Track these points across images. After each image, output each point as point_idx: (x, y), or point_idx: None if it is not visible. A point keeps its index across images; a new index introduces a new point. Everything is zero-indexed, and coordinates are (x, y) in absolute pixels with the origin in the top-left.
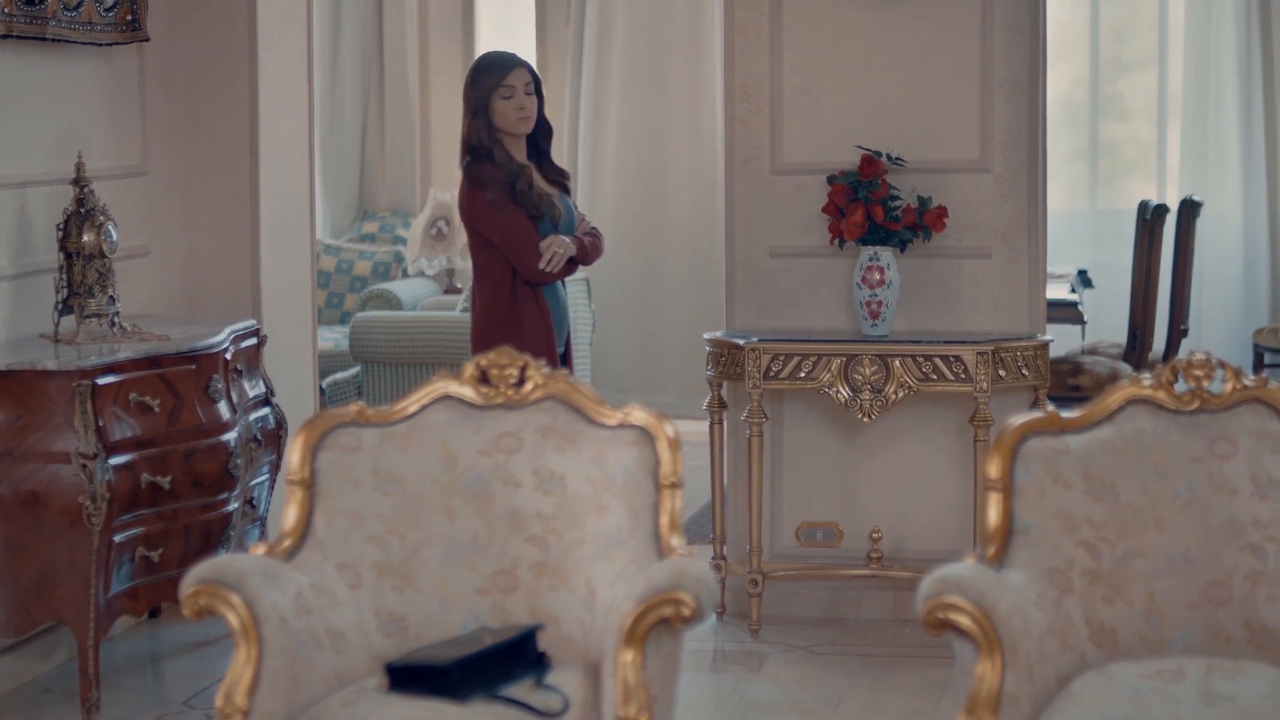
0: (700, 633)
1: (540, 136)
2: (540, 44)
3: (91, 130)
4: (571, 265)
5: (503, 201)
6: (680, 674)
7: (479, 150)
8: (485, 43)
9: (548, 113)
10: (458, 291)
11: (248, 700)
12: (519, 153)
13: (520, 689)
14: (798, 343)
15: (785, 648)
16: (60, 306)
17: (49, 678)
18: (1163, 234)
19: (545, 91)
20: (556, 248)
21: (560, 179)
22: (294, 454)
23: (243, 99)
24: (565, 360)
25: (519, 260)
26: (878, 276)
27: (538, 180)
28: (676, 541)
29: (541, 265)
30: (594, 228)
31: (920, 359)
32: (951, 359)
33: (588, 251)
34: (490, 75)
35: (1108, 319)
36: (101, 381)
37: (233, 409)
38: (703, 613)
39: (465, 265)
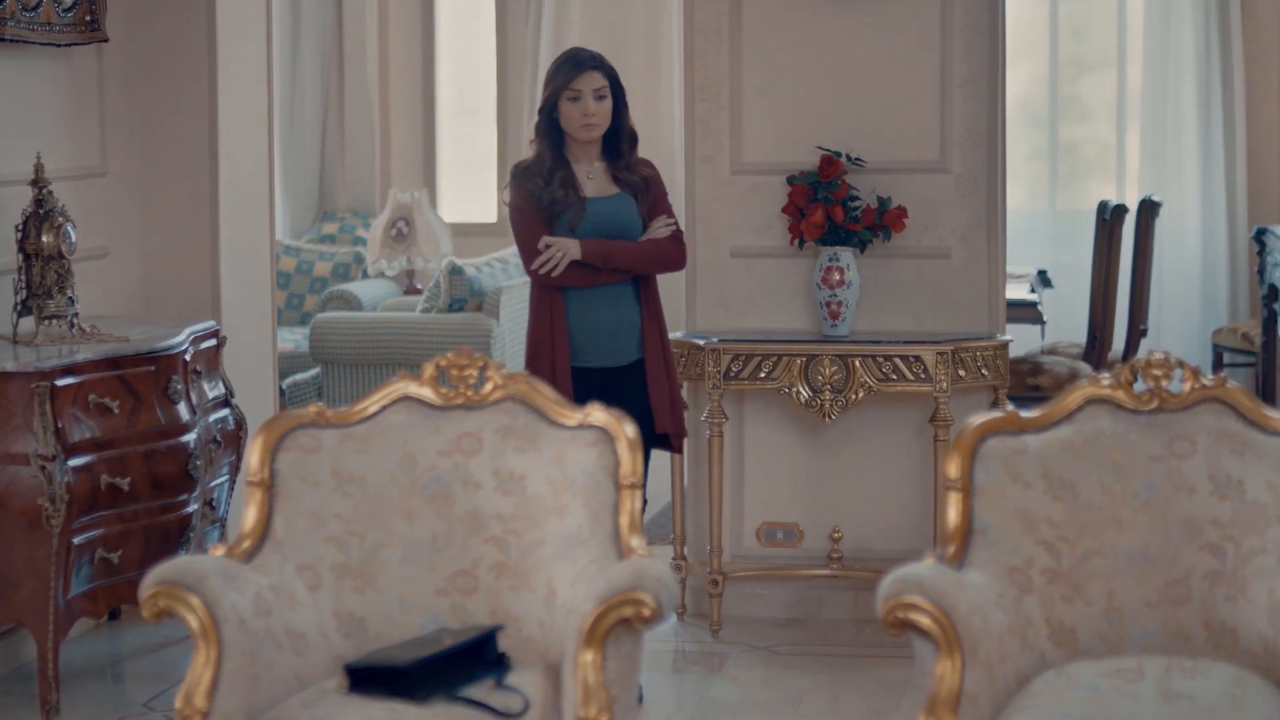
0: (661, 633)
1: (613, 138)
2: (500, 45)
3: (50, 131)
4: (590, 271)
5: (518, 200)
6: (641, 674)
7: (537, 146)
8: (445, 44)
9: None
10: (418, 292)
11: (207, 702)
12: (584, 152)
13: (480, 690)
14: (758, 343)
15: (746, 648)
16: (19, 308)
17: (8, 680)
18: (1122, 234)
19: (509, 90)
20: (555, 250)
21: (630, 179)
22: (253, 455)
23: (202, 100)
24: (601, 381)
25: (523, 261)
26: (838, 277)
27: (587, 180)
28: (636, 542)
29: (533, 266)
30: (668, 236)
31: (880, 359)
32: (911, 359)
33: (610, 255)
34: (559, 75)
35: (1067, 319)
36: (60, 383)
37: (192, 410)
38: (663, 613)
39: (425, 266)
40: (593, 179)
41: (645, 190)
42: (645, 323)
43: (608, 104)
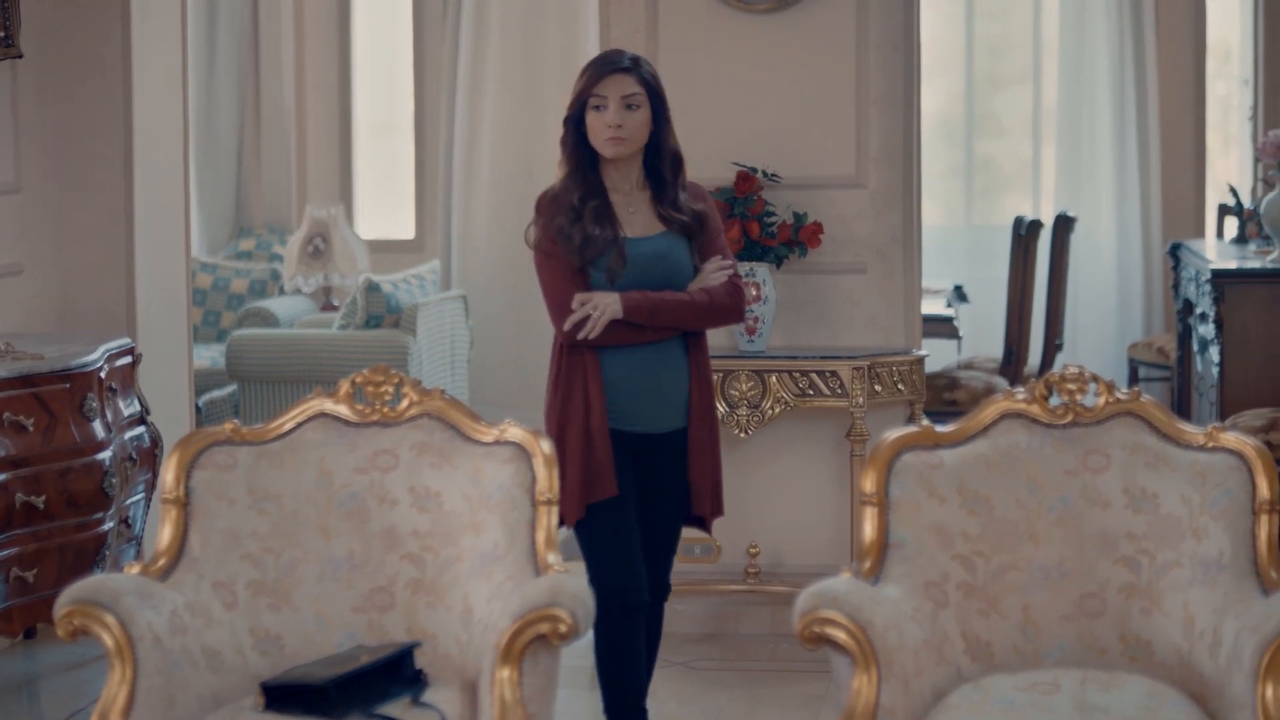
0: (578, 649)
1: (654, 158)
2: (417, 60)
3: None
4: (632, 330)
5: (545, 239)
6: (558, 691)
7: (564, 168)
8: (362, 60)
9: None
10: (334, 309)
11: None
12: (623, 176)
13: (397, 707)
14: None
15: (664, 663)
16: None
17: None
18: (1037, 249)
19: (426, 105)
20: (590, 308)
21: (678, 217)
22: (168, 472)
23: (117, 115)
24: (646, 462)
25: (550, 314)
26: (754, 293)
27: (628, 213)
28: (553, 558)
29: (566, 326)
30: (724, 284)
31: (797, 374)
32: (828, 374)
33: (657, 311)
34: (583, 77)
35: (983, 334)
36: None
37: (107, 428)
38: (580, 629)
39: (342, 282)
40: (635, 213)
41: (699, 228)
42: (694, 386)
43: (642, 115)
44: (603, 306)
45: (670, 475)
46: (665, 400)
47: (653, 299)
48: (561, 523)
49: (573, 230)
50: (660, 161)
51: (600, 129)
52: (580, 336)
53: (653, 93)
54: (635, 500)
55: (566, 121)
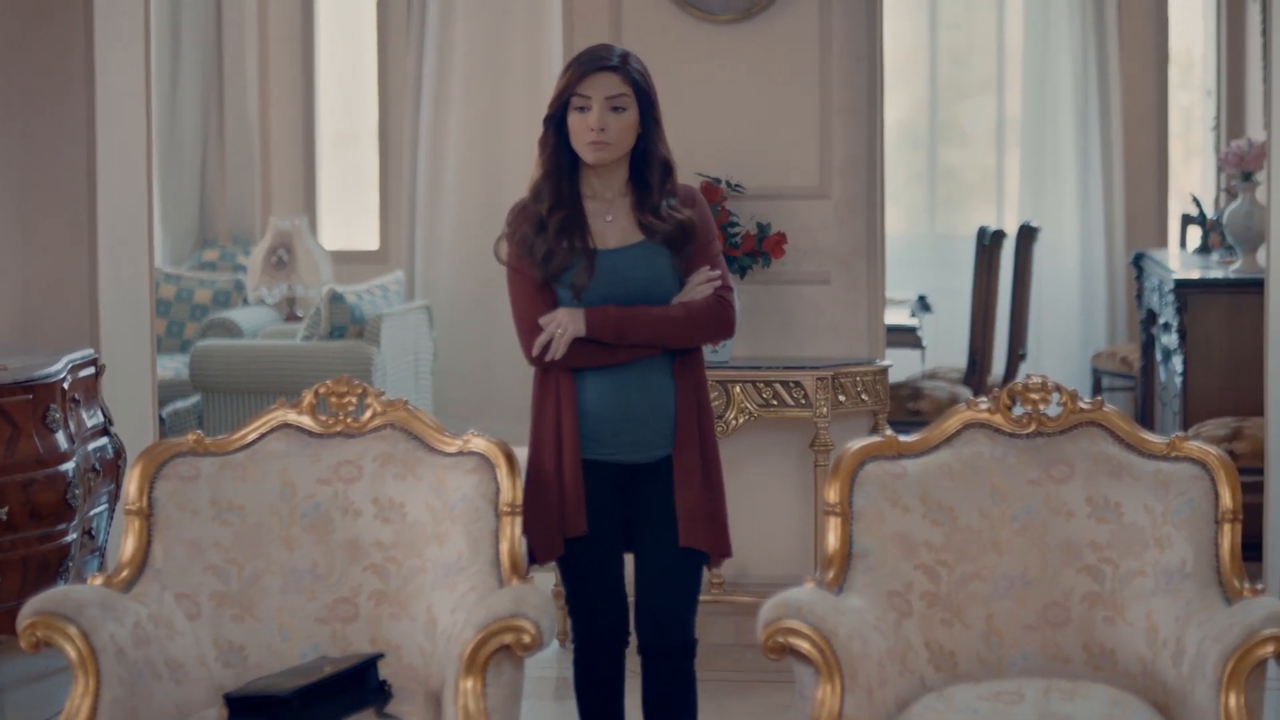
0: (543, 659)
1: (641, 164)
2: (381, 71)
3: None
4: (603, 349)
5: (512, 255)
6: (522, 701)
7: (538, 173)
8: (326, 70)
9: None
10: (298, 320)
11: None
12: (604, 183)
13: (361, 718)
14: None
15: (628, 674)
16: None
17: None
18: (1001, 259)
19: (390, 116)
20: (554, 327)
21: (658, 226)
22: (132, 483)
23: (80, 125)
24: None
25: (519, 339)
26: None
27: (604, 223)
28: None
29: (534, 351)
30: (708, 297)
31: (760, 385)
32: (792, 384)
33: (624, 328)
34: (567, 75)
35: (947, 344)
36: None
37: (70, 439)
38: (543, 640)
39: (305, 293)
40: (612, 222)
41: (683, 237)
42: (681, 409)
43: (628, 118)
44: (564, 324)
45: (659, 507)
46: (648, 426)
47: (620, 314)
48: (534, 560)
49: (536, 242)
50: (648, 168)
51: (582, 131)
52: (547, 359)
53: (641, 93)
54: (621, 537)
55: (546, 121)
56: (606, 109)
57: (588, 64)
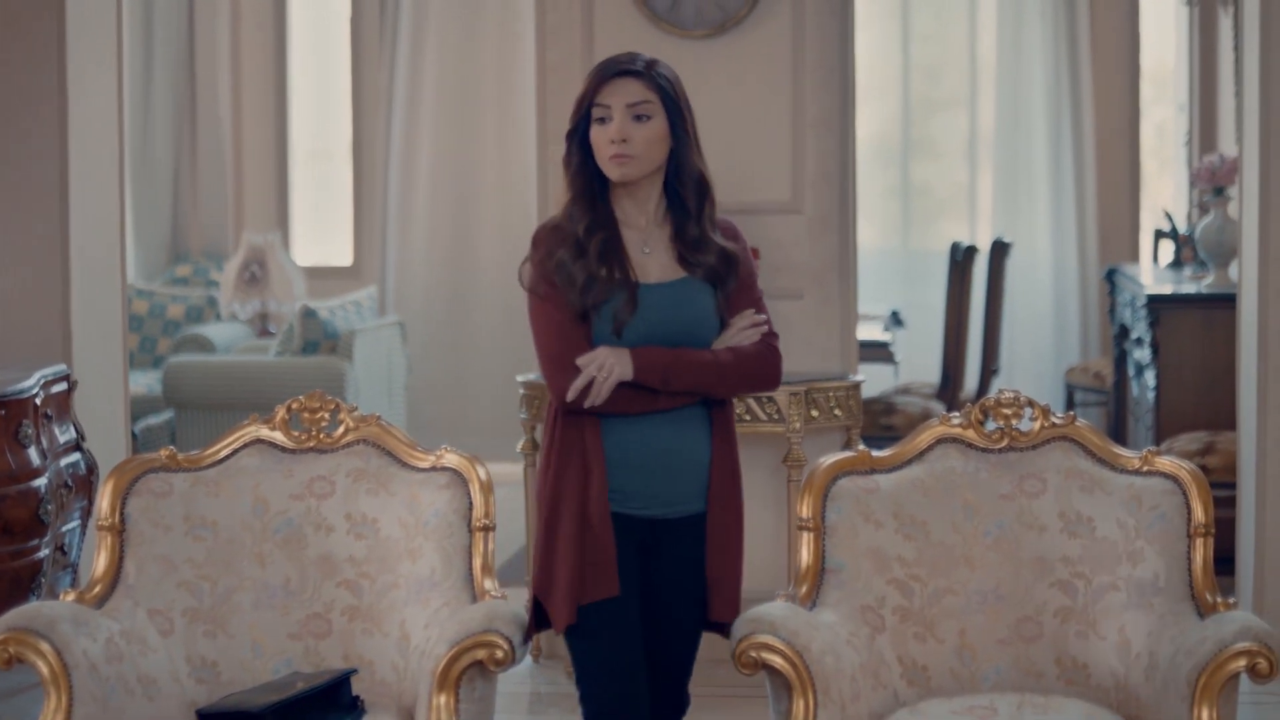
0: (517, 675)
1: (675, 184)
2: (355, 87)
3: None
4: (644, 395)
5: (542, 280)
6: (495, 717)
7: (569, 193)
8: (299, 86)
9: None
10: (271, 335)
11: None
12: (637, 205)
13: None
14: None
15: None
16: None
17: None
18: (974, 274)
19: (364, 132)
20: (595, 369)
21: (702, 259)
22: (104, 499)
23: (52, 140)
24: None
25: (544, 373)
26: None
27: (642, 253)
28: (490, 584)
29: (570, 396)
30: (756, 344)
31: (733, 400)
32: (765, 399)
33: (672, 375)
34: (587, 83)
35: (920, 359)
36: None
37: (43, 455)
38: (516, 655)
39: (278, 309)
40: (650, 255)
41: (727, 272)
42: (716, 462)
43: (654, 129)
44: (609, 366)
45: (685, 570)
46: (680, 479)
47: (667, 358)
48: (542, 626)
49: (575, 267)
50: (682, 187)
51: (603, 145)
52: (586, 405)
53: (669, 101)
54: (639, 601)
55: (569, 136)
56: (628, 118)
57: (607, 69)
